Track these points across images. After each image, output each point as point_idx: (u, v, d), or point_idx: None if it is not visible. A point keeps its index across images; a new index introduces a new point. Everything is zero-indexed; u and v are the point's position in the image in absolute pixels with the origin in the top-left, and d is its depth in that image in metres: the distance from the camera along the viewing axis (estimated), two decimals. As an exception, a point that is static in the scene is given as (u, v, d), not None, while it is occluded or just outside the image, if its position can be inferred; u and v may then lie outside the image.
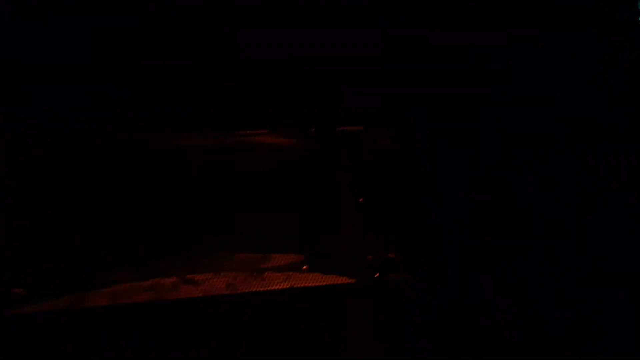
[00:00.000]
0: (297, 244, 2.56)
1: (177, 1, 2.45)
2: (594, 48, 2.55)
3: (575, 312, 2.49)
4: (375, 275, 2.52)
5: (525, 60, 2.54)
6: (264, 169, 2.54)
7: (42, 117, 2.42)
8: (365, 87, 2.54)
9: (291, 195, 2.53)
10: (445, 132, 2.54)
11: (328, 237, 2.55)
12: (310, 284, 2.51)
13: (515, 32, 2.54)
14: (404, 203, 2.55)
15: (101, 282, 2.48)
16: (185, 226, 2.50)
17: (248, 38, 2.49)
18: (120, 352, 2.41)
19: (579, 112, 2.54)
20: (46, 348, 2.38)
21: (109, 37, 2.42)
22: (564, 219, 2.52)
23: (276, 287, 2.50)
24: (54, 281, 2.45)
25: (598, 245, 2.51)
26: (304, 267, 2.55)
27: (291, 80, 2.52)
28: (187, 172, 2.52)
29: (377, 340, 2.51)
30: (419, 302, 2.52)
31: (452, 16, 2.54)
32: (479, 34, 2.55)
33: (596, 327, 2.48)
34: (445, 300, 2.51)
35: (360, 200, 2.53)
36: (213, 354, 2.45)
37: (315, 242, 2.56)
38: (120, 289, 2.47)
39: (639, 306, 2.49)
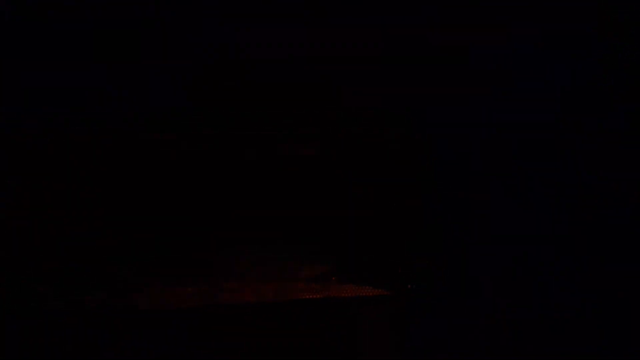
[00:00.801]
0: (322, 255, 2.55)
1: (177, 1, 2.45)
2: (594, 48, 2.55)
3: (575, 312, 2.49)
4: (408, 287, 2.51)
5: (525, 60, 2.54)
6: (283, 175, 2.53)
7: (42, 117, 2.42)
8: (365, 87, 2.54)
9: (310, 203, 2.52)
10: (445, 132, 2.54)
11: (353, 247, 2.54)
12: (349, 295, 2.50)
13: (515, 32, 2.54)
14: (404, 203, 2.55)
15: (127, 286, 2.48)
16: (199, 233, 2.50)
17: (248, 38, 2.50)
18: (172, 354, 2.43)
19: (579, 112, 2.54)
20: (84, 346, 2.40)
21: (109, 37, 2.42)
22: (564, 219, 2.52)
23: (318, 296, 2.48)
24: (72, 282, 2.46)
25: (598, 245, 2.51)
26: (332, 277, 2.54)
27: (291, 81, 2.52)
28: (203, 177, 2.51)
29: (396, 346, 2.51)
30: (418, 302, 2.52)
31: (452, 16, 2.54)
32: (479, 34, 2.55)
33: (596, 327, 2.48)
34: (445, 300, 2.51)
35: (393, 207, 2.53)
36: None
37: (340, 253, 2.54)
38: (158, 294, 2.47)
39: (639, 306, 2.49)
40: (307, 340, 2.48)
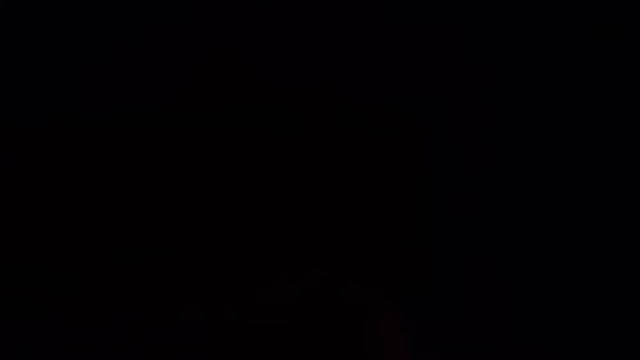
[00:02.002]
0: (322, 255, 2.54)
1: (176, 1, 2.46)
2: (593, 48, 2.55)
3: (575, 312, 2.49)
4: (415, 295, 2.52)
5: (523, 59, 2.54)
6: (282, 175, 2.53)
7: (42, 116, 2.44)
8: (365, 86, 2.54)
9: (310, 203, 2.52)
10: (445, 131, 2.54)
11: (353, 247, 2.54)
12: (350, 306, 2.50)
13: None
14: (404, 203, 2.55)
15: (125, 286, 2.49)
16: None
17: (248, 38, 2.50)
18: None
19: (578, 112, 2.54)
20: None
21: (108, 34, 2.43)
22: (564, 219, 2.52)
23: (317, 308, 2.48)
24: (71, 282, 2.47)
25: (598, 245, 2.51)
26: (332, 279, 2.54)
27: (291, 81, 2.53)
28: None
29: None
30: (418, 302, 2.52)
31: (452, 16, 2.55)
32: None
33: (596, 327, 2.48)
34: (445, 300, 2.51)
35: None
36: None
37: (339, 253, 2.54)
38: (153, 295, 2.47)
39: (639, 306, 2.48)
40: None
